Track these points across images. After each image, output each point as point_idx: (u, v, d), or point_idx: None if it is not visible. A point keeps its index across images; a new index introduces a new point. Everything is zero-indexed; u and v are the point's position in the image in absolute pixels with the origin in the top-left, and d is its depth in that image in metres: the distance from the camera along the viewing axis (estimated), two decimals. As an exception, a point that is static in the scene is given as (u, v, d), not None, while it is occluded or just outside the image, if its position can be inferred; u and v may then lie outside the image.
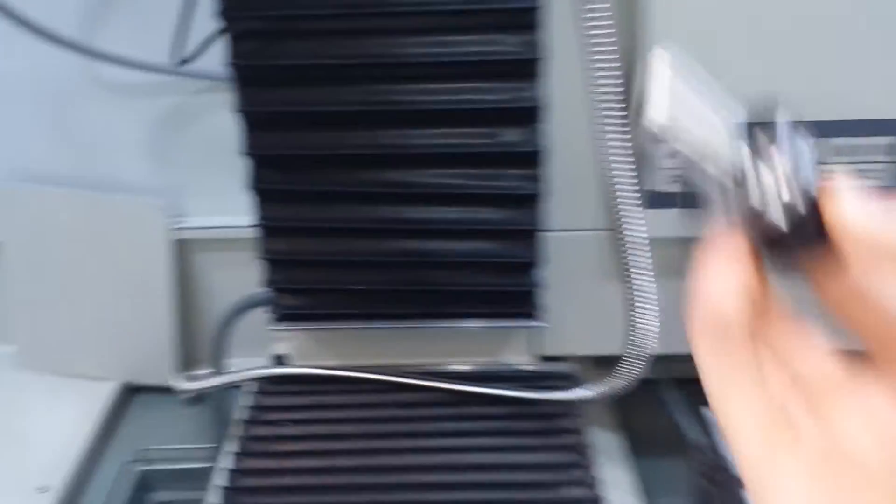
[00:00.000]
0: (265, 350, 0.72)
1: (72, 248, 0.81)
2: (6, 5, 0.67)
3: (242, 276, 0.70)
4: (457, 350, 0.69)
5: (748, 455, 0.23)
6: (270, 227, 0.61)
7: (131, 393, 0.86)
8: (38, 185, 0.79)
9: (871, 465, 0.22)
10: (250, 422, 0.64)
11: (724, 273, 0.25)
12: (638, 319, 0.59)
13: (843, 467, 0.22)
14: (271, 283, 0.63)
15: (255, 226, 0.61)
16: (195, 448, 0.79)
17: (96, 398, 0.82)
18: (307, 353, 0.69)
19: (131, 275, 0.82)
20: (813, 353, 0.25)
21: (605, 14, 0.52)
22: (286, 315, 0.64)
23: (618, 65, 0.57)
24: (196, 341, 0.88)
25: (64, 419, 0.79)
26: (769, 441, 0.23)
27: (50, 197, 0.80)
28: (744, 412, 0.24)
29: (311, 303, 0.64)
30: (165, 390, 0.82)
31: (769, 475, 0.23)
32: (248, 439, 0.62)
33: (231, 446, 0.63)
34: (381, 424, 0.63)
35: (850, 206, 0.23)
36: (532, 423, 0.64)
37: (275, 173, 0.60)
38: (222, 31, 0.56)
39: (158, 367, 0.85)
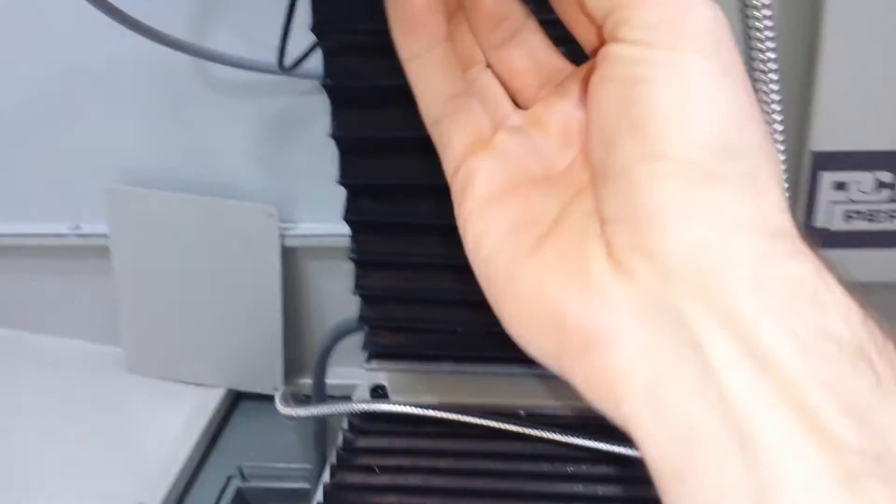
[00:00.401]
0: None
1: (181, 251, 0.79)
2: (117, 8, 0.64)
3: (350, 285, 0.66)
4: (566, 394, 0.61)
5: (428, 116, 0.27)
6: (365, 262, 0.55)
7: (236, 400, 0.85)
8: (147, 188, 0.78)
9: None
10: (340, 466, 0.59)
11: None
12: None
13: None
14: (366, 319, 0.57)
15: (349, 258, 0.56)
16: (294, 468, 0.76)
17: (201, 406, 0.81)
18: (405, 387, 0.64)
19: (241, 281, 0.80)
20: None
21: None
22: (381, 353, 0.59)
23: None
24: (302, 349, 0.85)
25: (167, 427, 0.78)
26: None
27: (160, 199, 0.78)
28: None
29: (408, 341, 0.58)
30: (270, 399, 0.80)
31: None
32: (337, 487, 0.58)
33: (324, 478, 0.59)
34: (478, 479, 0.57)
35: None
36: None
37: (371, 203, 0.54)
38: (315, 46, 0.50)
39: (264, 375, 0.83)
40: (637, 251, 0.20)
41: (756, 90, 0.48)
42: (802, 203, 0.56)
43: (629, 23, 0.21)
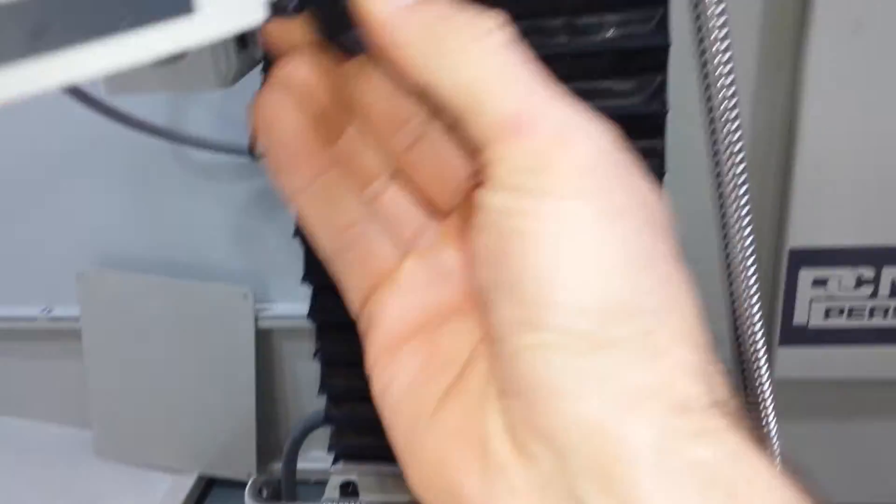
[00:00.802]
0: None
1: (154, 334, 0.77)
2: (92, 97, 0.64)
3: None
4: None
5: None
6: (331, 361, 0.54)
7: (209, 486, 0.82)
8: (121, 270, 0.76)
9: None
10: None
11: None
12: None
13: None
14: (332, 419, 0.56)
15: (314, 357, 0.54)
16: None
17: (172, 492, 0.78)
18: (375, 485, 0.61)
19: (215, 363, 0.78)
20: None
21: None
22: (348, 454, 0.57)
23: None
24: (277, 432, 0.83)
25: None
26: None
27: (132, 282, 0.76)
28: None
29: (376, 441, 0.56)
30: (244, 485, 0.77)
31: None
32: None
33: None
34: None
35: None
36: None
37: (336, 301, 0.52)
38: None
39: (238, 460, 0.80)
40: (532, 430, 0.18)
41: (722, 187, 0.47)
42: (780, 300, 0.55)
43: (500, 164, 0.18)
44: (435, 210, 0.23)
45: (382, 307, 0.22)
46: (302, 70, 0.22)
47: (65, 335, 0.79)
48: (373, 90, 0.22)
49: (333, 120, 0.22)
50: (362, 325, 0.23)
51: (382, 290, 0.22)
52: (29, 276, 0.79)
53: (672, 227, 0.20)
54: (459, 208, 0.22)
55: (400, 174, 0.23)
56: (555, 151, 0.17)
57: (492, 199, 0.18)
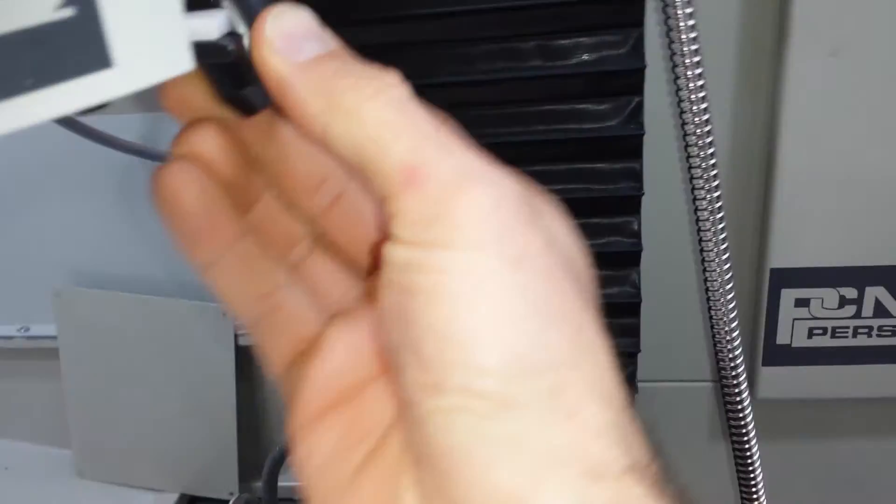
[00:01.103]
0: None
1: (132, 352, 0.76)
2: (71, 118, 0.63)
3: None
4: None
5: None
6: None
7: (189, 505, 0.81)
8: (98, 288, 0.75)
9: None
10: None
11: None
12: (742, 484, 0.50)
13: None
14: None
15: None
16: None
17: (151, 513, 0.77)
18: None
19: (195, 381, 0.77)
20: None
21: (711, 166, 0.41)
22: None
23: (720, 207, 0.47)
24: (258, 450, 0.82)
25: (114, 538, 0.74)
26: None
27: (110, 300, 0.75)
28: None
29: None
30: (224, 503, 0.77)
31: None
32: None
33: None
34: None
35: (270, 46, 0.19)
36: None
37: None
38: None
39: (219, 479, 0.79)
40: (446, 501, 0.17)
41: (699, 208, 0.47)
42: (763, 320, 0.54)
43: (398, 216, 0.17)
44: (359, 271, 0.22)
45: (305, 376, 0.21)
46: (206, 140, 0.21)
47: (42, 354, 0.78)
48: (284, 150, 0.21)
49: (246, 186, 0.21)
50: (284, 393, 0.22)
51: (305, 359, 0.21)
52: (5, 294, 0.78)
53: (591, 272, 0.19)
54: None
55: (322, 237, 0.22)
56: (450, 200, 0.17)
57: (392, 254, 0.18)
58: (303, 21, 0.19)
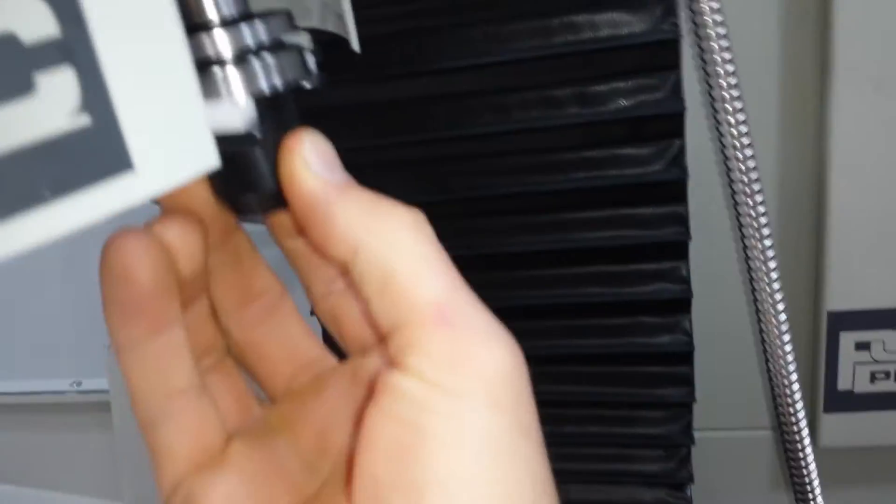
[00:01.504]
0: None
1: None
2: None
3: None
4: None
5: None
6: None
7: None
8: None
9: None
10: None
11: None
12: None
13: None
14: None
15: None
16: None
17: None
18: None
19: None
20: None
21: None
22: None
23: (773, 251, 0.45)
24: None
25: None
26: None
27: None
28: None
29: None
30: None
31: None
32: None
33: None
34: None
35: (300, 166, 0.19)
36: None
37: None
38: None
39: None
40: None
41: (749, 252, 0.45)
42: (822, 366, 0.52)
43: (418, 349, 0.17)
44: (267, 393, 0.22)
45: (204, 491, 0.20)
46: (187, 235, 0.21)
47: (94, 407, 0.79)
48: (231, 259, 0.22)
49: (192, 283, 0.21)
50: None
51: (203, 473, 0.21)
52: (57, 349, 0.79)
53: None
54: (296, 395, 0.22)
55: (236, 350, 0.22)
56: (480, 351, 0.17)
57: (405, 386, 0.17)
58: (332, 148, 0.20)
